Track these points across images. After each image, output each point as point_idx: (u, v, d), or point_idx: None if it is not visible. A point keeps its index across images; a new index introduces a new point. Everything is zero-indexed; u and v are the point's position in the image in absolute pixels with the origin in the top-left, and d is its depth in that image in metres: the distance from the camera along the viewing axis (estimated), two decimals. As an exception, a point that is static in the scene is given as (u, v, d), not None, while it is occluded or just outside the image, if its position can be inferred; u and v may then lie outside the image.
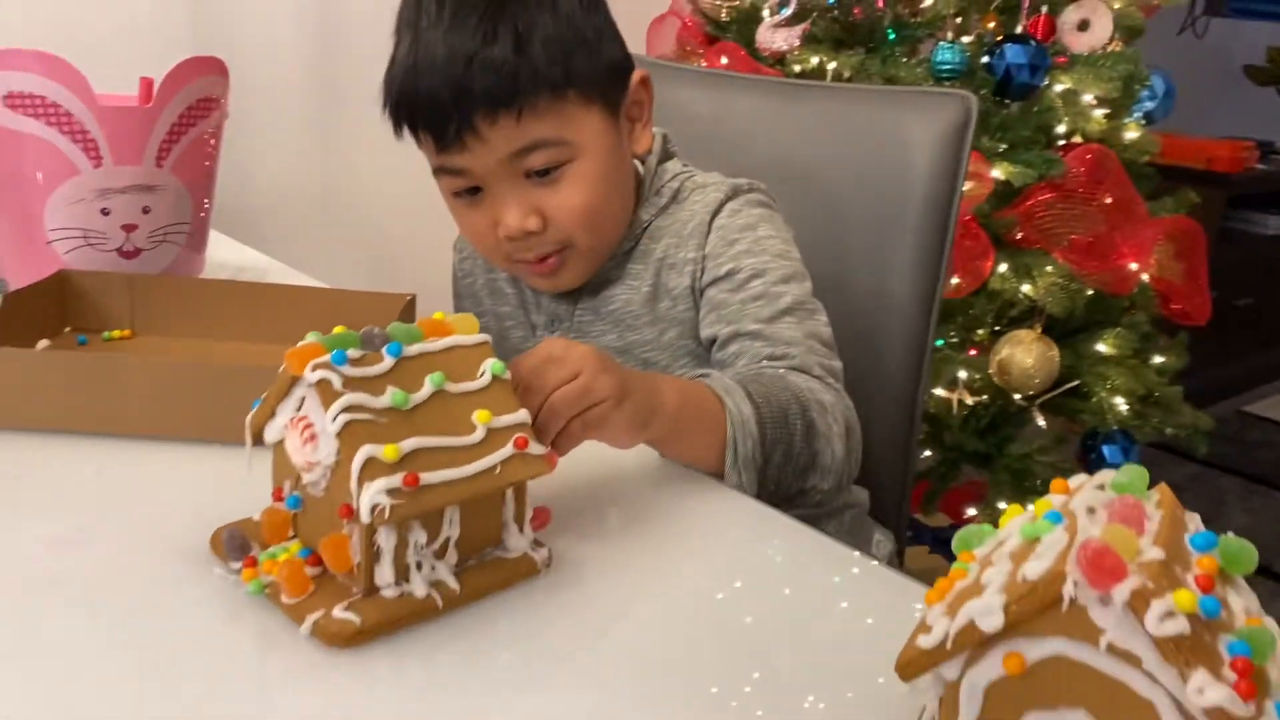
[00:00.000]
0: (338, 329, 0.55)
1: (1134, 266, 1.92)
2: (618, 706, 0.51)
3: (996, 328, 1.94)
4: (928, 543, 2.10)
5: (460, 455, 0.54)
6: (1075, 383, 1.94)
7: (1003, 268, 1.80)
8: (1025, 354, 1.79)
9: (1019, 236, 1.84)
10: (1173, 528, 0.43)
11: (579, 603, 0.59)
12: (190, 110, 0.91)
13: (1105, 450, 1.99)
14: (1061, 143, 1.90)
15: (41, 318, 0.86)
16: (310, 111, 1.88)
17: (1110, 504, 0.43)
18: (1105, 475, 0.46)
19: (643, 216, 0.93)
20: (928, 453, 1.98)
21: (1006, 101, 1.82)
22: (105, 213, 0.89)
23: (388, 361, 0.54)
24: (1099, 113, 1.87)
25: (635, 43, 2.08)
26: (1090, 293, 1.94)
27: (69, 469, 0.71)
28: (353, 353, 0.54)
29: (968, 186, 1.77)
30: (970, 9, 1.85)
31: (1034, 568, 0.40)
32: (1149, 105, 2.02)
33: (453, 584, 0.55)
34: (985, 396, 1.94)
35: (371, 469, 0.51)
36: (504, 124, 0.81)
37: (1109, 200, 1.81)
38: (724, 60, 1.94)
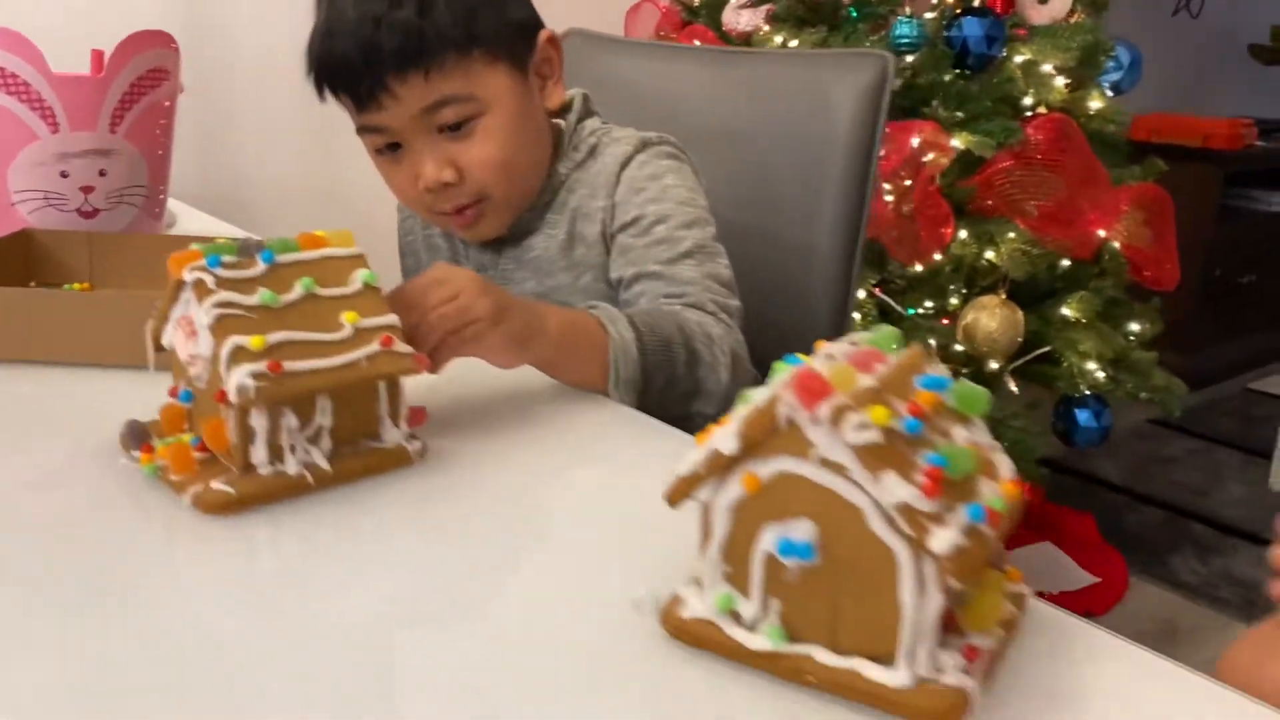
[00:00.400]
0: (220, 239, 0.62)
1: (1102, 233, 1.96)
2: (485, 576, 0.58)
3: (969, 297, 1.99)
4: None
5: (326, 349, 0.61)
6: (1046, 348, 1.98)
7: (964, 235, 1.84)
8: (989, 318, 1.84)
9: (982, 204, 1.88)
10: (904, 371, 0.49)
11: (449, 488, 0.66)
12: (141, 80, 0.99)
13: (1079, 415, 2.03)
14: (1029, 114, 1.95)
15: (6, 272, 0.94)
16: (307, 108, 1.97)
17: (849, 352, 0.49)
18: (861, 335, 0.52)
19: (561, 170, 1.00)
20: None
21: (969, 73, 1.87)
22: (64, 175, 0.97)
23: (261, 267, 0.62)
24: (1060, 82, 1.91)
25: (614, 30, 2.15)
26: (1065, 262, 1.99)
27: (20, 392, 0.79)
28: (228, 258, 0.61)
29: (929, 157, 1.83)
30: (930, -16, 1.90)
31: (761, 396, 0.46)
32: (1115, 75, 2.06)
33: (325, 466, 0.62)
34: (967, 368, 1.99)
35: (239, 356, 0.58)
36: (413, 82, 0.88)
37: (1070, 167, 1.85)
38: (696, 43, 2.01)
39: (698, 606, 0.49)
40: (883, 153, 1.82)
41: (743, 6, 1.89)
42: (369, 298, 0.65)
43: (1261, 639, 0.64)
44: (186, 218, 1.35)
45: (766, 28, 1.92)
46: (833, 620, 0.46)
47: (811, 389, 0.44)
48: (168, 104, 1.03)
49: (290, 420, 0.61)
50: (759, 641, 0.47)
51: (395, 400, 0.66)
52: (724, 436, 0.47)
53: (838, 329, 1.20)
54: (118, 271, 0.98)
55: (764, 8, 1.90)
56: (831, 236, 1.18)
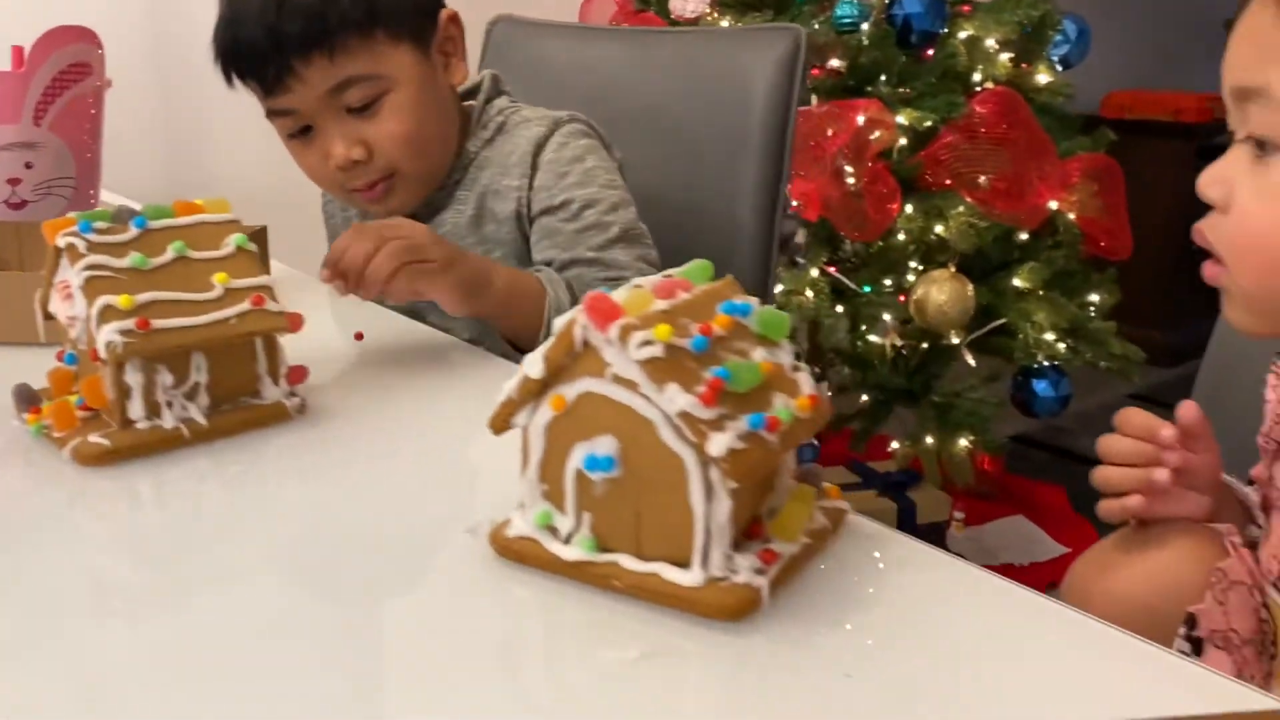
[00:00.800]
0: (98, 209, 0.65)
1: (1053, 205, 1.98)
2: (355, 519, 0.60)
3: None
4: (876, 487, 2.18)
5: (196, 307, 0.64)
6: (1002, 320, 2.00)
7: (910, 210, 1.87)
8: (939, 292, 1.86)
9: (929, 179, 1.90)
10: (708, 298, 0.52)
11: (326, 440, 0.69)
12: (63, 74, 1.02)
13: (1037, 386, 2.05)
14: (977, 89, 1.97)
15: (-64, 263, 0.98)
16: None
17: (656, 282, 0.52)
18: (675, 269, 0.55)
19: (470, 149, 1.03)
20: (864, 398, 2.05)
21: (924, 52, 1.89)
22: (-10, 168, 1.00)
23: (133, 231, 0.65)
24: (1004, 57, 1.94)
25: (569, 19, 2.18)
26: (1023, 235, 2.01)
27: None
28: (100, 224, 0.64)
29: (875, 135, 1.85)
30: (874, -35, 1.92)
31: (560, 321, 0.49)
32: (1063, 49, 2.08)
33: (201, 420, 0.65)
34: (925, 343, 2.01)
35: (107, 314, 0.61)
36: (318, 63, 0.92)
37: (1016, 140, 1.88)
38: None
39: (521, 525, 0.52)
40: (830, 131, 1.86)
41: (688, -7, 1.92)
42: (241, 260, 0.68)
43: (1094, 556, 0.66)
44: (133, 214, 1.38)
45: (713, 14, 1.95)
46: (636, 528, 0.49)
47: (602, 311, 0.47)
48: (92, 98, 1.06)
49: (165, 377, 0.64)
50: (573, 552, 0.50)
51: (274, 359, 0.69)
52: (532, 362, 0.50)
53: (761, 296, 1.23)
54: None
55: (709, -7, 1.92)
56: (752, 206, 1.21)
